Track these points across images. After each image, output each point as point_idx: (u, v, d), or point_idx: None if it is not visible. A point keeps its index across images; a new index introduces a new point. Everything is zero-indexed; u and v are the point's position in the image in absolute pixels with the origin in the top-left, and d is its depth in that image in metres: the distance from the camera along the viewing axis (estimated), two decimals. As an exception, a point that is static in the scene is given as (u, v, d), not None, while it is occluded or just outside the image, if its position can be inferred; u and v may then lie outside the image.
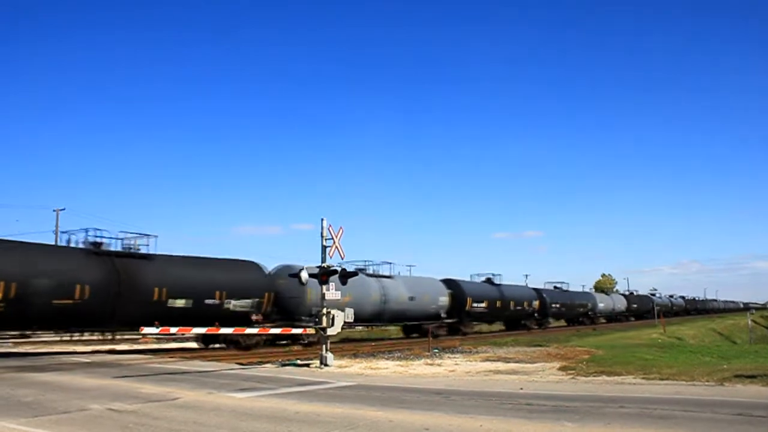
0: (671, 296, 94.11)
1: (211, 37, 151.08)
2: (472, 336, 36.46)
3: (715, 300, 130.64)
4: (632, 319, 66.87)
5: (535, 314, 47.58)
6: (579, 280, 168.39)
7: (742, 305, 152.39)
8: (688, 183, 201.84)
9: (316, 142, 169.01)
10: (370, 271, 33.03)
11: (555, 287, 54.24)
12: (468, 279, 41.94)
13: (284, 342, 26.57)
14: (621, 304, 66.02)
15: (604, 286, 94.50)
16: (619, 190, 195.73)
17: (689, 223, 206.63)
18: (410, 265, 34.75)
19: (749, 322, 52.91)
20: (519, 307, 45.30)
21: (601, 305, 59.32)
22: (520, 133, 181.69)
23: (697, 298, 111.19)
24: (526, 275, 66.81)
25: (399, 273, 35.09)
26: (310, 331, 19.39)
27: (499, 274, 44.86)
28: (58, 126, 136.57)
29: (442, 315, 36.17)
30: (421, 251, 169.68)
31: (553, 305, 49.51)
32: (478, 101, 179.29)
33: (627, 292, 79.66)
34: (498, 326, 46.26)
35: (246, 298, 25.05)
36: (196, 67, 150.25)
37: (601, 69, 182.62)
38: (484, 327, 44.77)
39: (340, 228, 18.25)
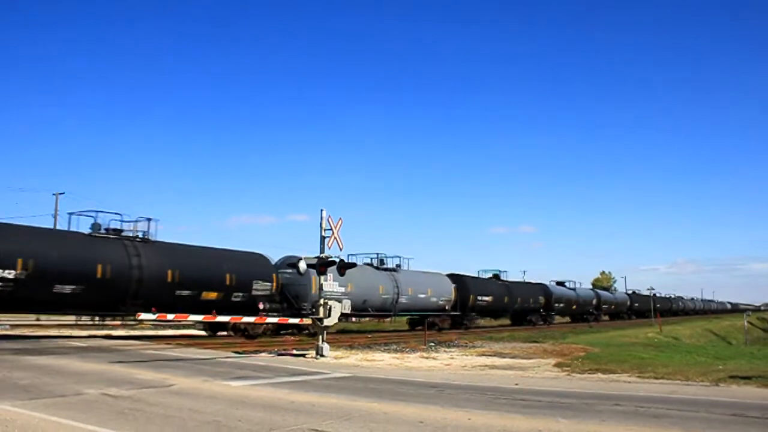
0: (609, 290, 72.39)
1: (208, 30, 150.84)
2: (471, 330, 36.65)
3: (691, 299, 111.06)
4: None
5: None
6: (576, 277, 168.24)
7: (729, 306, 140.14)
8: (685, 183, 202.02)
9: (312, 133, 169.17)
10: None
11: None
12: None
13: (290, 331, 26.94)
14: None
15: (602, 284, 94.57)
16: (616, 189, 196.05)
17: (686, 223, 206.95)
18: (408, 258, 34.74)
19: (745, 323, 53.45)
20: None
21: (403, 299, 32.30)
22: (518, 128, 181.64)
23: (658, 294, 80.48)
24: (524, 271, 66.33)
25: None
26: (308, 321, 19.38)
27: (505, 271, 44.77)
28: (59, 113, 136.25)
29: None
30: (419, 244, 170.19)
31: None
32: (475, 96, 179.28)
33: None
34: (503, 321, 46.50)
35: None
36: (192, 59, 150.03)
37: (598, 67, 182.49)
38: (488, 322, 45.00)
39: (340, 219, 18.19)
